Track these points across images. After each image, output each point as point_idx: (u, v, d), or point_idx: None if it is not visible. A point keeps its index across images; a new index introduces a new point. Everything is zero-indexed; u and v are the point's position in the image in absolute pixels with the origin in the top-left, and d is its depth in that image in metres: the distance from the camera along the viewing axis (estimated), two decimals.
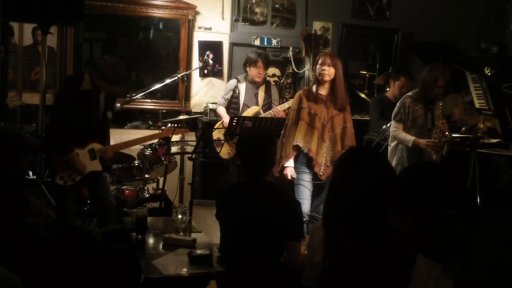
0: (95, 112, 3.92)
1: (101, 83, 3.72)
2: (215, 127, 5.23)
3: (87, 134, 3.91)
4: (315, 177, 4.05)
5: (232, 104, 5.25)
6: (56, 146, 3.81)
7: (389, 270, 2.02)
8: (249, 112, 5.10)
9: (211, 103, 5.69)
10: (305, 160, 4.03)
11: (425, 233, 1.58)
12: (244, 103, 5.18)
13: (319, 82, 4.04)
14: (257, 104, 5.16)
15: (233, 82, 5.29)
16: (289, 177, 4.00)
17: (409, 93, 4.34)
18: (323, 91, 4.05)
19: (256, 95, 5.20)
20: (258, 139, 2.91)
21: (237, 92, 5.22)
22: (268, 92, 5.24)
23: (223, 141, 5.11)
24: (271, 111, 5.00)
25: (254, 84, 5.20)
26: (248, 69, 5.18)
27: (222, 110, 5.26)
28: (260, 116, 4.97)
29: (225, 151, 5.17)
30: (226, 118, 5.06)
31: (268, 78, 5.70)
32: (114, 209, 4.04)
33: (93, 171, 3.92)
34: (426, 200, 1.57)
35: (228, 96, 5.26)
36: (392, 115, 4.33)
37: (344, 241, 2.10)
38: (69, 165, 3.81)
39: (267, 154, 2.88)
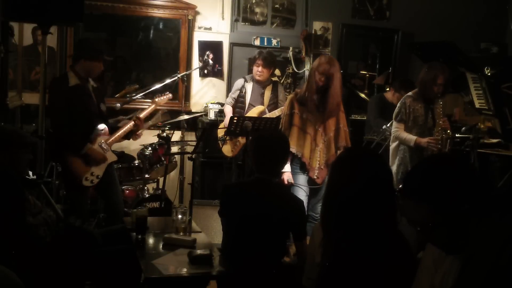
0: (92, 104, 3.99)
1: (89, 65, 3.89)
2: (220, 127, 5.24)
3: (92, 128, 3.97)
4: (311, 180, 4.01)
5: (238, 103, 5.25)
6: (69, 147, 3.86)
7: (387, 271, 2.02)
8: (254, 111, 5.09)
9: (211, 103, 5.69)
10: (299, 162, 4.00)
11: (439, 224, 1.56)
12: (250, 103, 5.18)
13: (313, 86, 3.90)
14: (262, 104, 5.15)
15: (240, 81, 5.29)
16: (286, 182, 3.98)
17: (409, 93, 4.34)
18: (315, 95, 3.92)
19: (262, 94, 5.18)
20: (279, 140, 2.96)
21: (243, 92, 5.22)
22: (274, 92, 5.20)
23: (226, 139, 5.11)
24: (280, 109, 4.95)
25: (260, 84, 5.19)
26: (252, 68, 5.20)
27: (227, 109, 5.27)
28: (262, 116, 4.97)
29: (228, 149, 5.18)
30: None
31: None
32: (123, 214, 4.09)
33: (110, 163, 4.04)
34: (444, 192, 1.55)
35: (235, 95, 5.26)
36: (393, 116, 4.33)
37: (342, 241, 2.10)
38: (88, 162, 3.88)
39: (285, 155, 2.94)
